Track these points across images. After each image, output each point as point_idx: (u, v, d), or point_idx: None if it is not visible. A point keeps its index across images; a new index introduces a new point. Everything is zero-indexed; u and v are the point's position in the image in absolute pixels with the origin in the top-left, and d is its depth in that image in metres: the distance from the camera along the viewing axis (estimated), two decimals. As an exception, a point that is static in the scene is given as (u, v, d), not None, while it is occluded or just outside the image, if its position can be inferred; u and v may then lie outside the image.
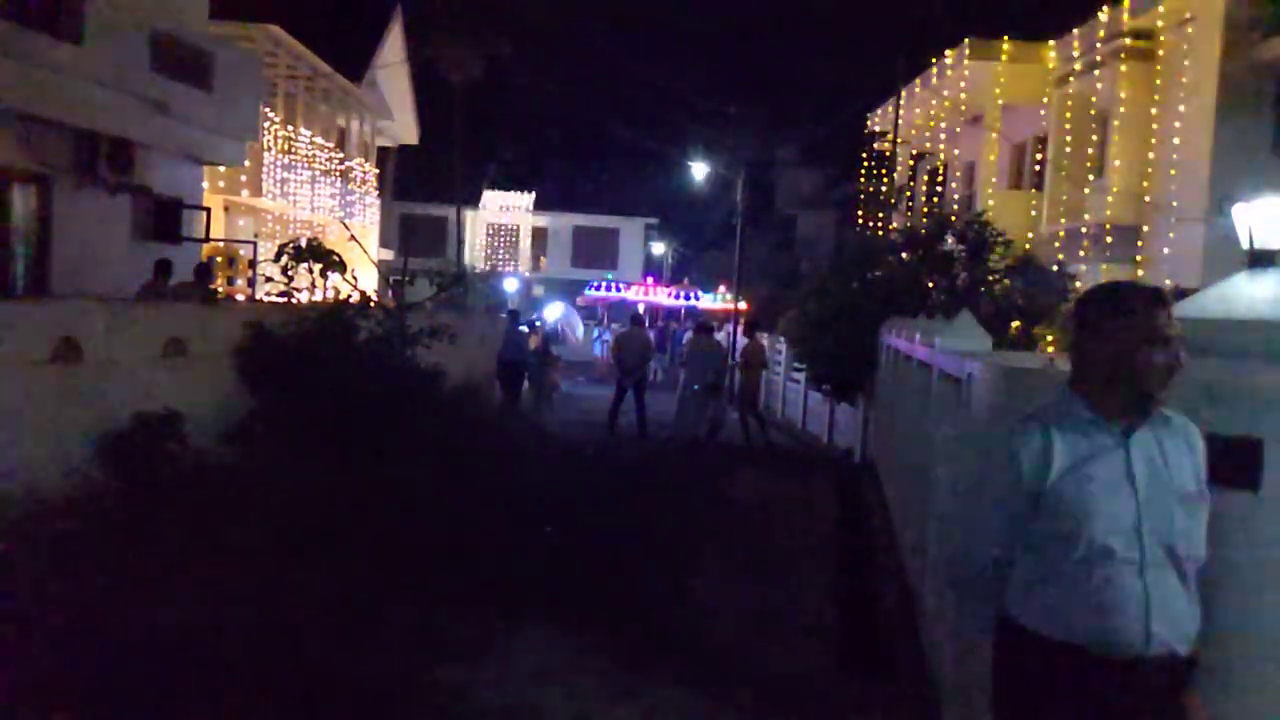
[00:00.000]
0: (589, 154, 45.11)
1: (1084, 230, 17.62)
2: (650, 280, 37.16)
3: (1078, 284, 14.33)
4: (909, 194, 24.91)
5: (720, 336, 17.93)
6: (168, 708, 4.45)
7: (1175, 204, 15.77)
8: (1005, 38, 21.10)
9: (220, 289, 15.26)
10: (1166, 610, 2.38)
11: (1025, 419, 2.53)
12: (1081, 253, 17.42)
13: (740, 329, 19.52)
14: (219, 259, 16.19)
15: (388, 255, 27.45)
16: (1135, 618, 2.36)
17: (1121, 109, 17.09)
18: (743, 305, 25.42)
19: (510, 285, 35.51)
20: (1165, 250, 15.92)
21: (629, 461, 12.56)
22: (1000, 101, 21.34)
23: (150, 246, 13.26)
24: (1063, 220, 18.75)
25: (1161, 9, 16.32)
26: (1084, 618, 2.38)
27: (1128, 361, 2.39)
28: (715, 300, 32.15)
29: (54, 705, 4.36)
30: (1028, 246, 14.60)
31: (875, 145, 27.39)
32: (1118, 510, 2.38)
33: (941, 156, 24.84)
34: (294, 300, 10.99)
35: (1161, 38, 16.71)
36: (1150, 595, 2.36)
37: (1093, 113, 18.40)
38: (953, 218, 13.74)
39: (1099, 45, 17.82)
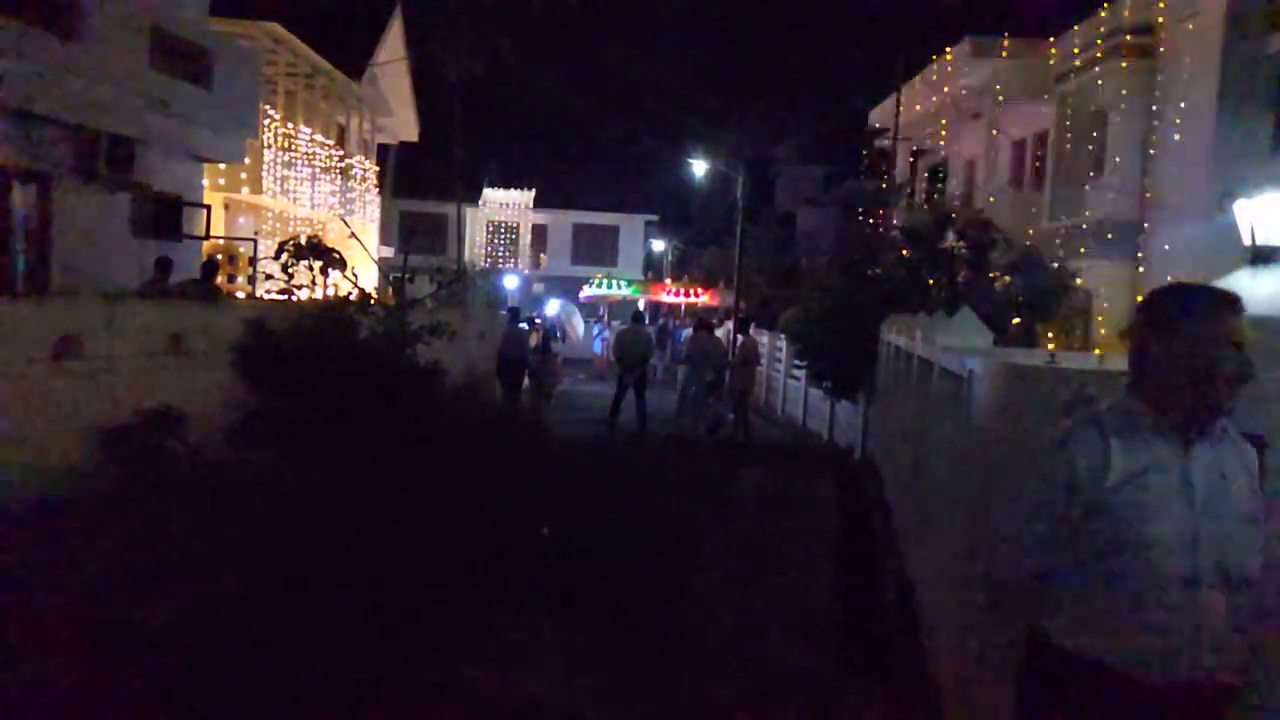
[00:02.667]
0: (589, 151, 45.15)
1: (1084, 227, 17.58)
2: (663, 284, 37.07)
3: (1078, 280, 14.32)
4: (909, 191, 24.87)
5: (720, 333, 17.93)
6: (167, 708, 4.45)
7: (1176, 201, 15.75)
8: (1005, 35, 21.08)
9: (221, 287, 15.25)
10: (1215, 632, 2.23)
11: (1082, 422, 2.36)
12: (1082, 249, 17.39)
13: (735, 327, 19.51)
14: (219, 256, 16.19)
15: (388, 252, 27.40)
16: (1182, 638, 2.22)
17: (1122, 105, 17.06)
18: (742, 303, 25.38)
19: (510, 282, 35.47)
20: (1166, 247, 15.89)
21: (629, 458, 12.56)
22: (1001, 98, 21.31)
23: (150, 244, 13.25)
24: (1063, 217, 18.73)
25: (1162, 4, 16.30)
26: (1128, 636, 2.23)
27: (1198, 367, 2.22)
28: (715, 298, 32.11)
29: (53, 703, 4.37)
30: (1028, 243, 14.56)
31: (875, 142, 27.37)
32: (1174, 525, 2.23)
33: (942, 153, 24.81)
34: (294, 298, 11.00)
35: (1162, 34, 16.68)
36: (1200, 616, 2.22)
37: (1093, 109, 18.36)
38: (953, 214, 13.72)
39: (1099, 42, 17.79)
